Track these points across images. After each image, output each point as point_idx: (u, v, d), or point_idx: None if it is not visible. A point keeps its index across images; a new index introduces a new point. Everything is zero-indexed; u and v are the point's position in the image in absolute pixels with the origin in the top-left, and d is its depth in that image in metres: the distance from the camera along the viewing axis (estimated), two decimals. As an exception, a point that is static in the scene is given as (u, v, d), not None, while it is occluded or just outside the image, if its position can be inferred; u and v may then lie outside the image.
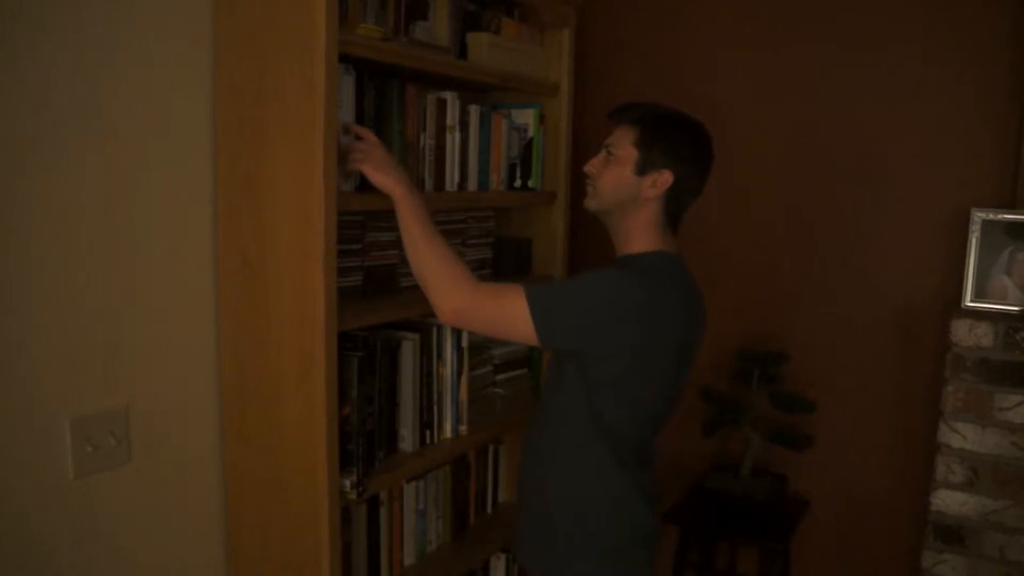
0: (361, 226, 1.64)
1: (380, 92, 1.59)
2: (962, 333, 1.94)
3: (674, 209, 1.48)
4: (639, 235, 1.47)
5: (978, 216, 2.03)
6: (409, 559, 1.85)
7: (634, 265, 1.44)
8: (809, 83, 2.30)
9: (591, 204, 1.52)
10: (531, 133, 2.04)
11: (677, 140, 1.44)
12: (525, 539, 1.59)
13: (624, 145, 1.46)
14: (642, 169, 1.44)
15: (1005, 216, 2.01)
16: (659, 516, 1.55)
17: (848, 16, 2.23)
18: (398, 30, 1.66)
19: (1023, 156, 2.01)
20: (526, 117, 2.03)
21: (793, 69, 2.32)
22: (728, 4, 2.39)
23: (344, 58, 1.41)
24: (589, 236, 2.50)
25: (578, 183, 2.18)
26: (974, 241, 2.03)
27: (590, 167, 1.51)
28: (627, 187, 1.45)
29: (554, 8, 2.03)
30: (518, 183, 2.05)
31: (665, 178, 1.43)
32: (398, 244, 1.74)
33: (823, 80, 2.28)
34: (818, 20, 2.27)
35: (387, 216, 1.70)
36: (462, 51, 1.83)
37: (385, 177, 1.44)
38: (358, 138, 1.49)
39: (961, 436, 1.95)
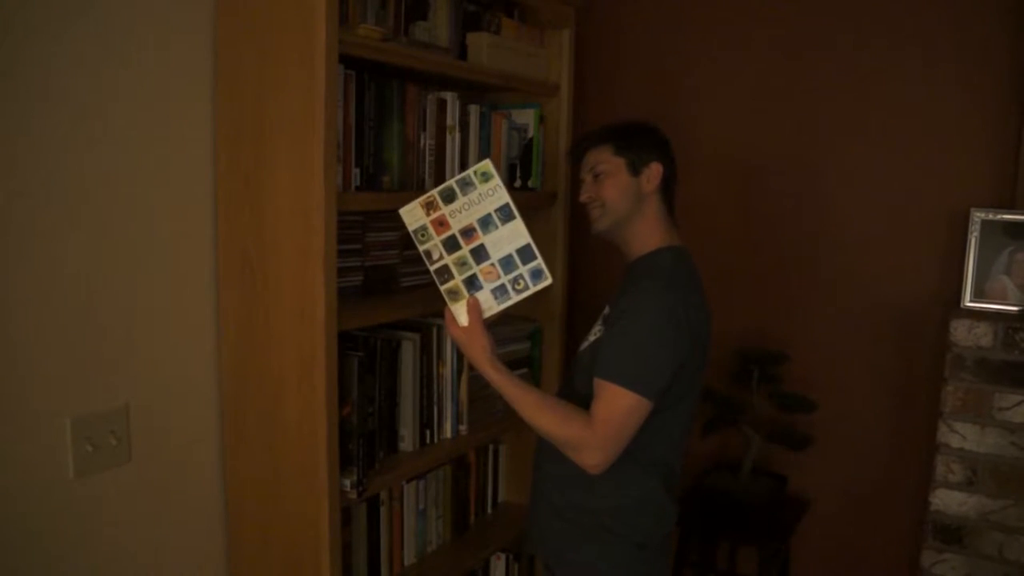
0: (361, 226, 1.64)
1: (380, 92, 1.59)
2: (961, 333, 1.94)
3: (668, 197, 1.56)
4: (649, 233, 1.53)
5: (978, 216, 2.03)
6: (409, 559, 1.85)
7: (656, 270, 1.47)
8: (809, 83, 2.30)
9: (602, 223, 1.55)
10: (531, 133, 2.04)
11: (645, 136, 1.54)
12: (541, 530, 1.60)
13: (606, 158, 1.53)
14: (635, 169, 1.52)
15: (1005, 216, 2.01)
16: (677, 501, 1.58)
17: (848, 17, 2.23)
18: (398, 30, 1.66)
19: (1023, 156, 2.02)
20: (526, 117, 2.03)
21: (793, 69, 2.32)
22: (728, 5, 2.39)
23: (344, 58, 1.41)
24: (589, 236, 2.50)
25: (577, 183, 2.19)
26: (973, 241, 2.03)
27: (586, 195, 1.56)
28: (630, 190, 1.51)
29: (554, 8, 2.03)
30: (518, 183, 2.05)
31: (656, 169, 1.52)
32: (398, 244, 1.75)
33: (823, 80, 2.28)
34: (818, 21, 2.27)
35: (387, 216, 1.70)
36: (462, 51, 1.83)
37: (471, 360, 1.46)
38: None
39: (960, 436, 1.95)
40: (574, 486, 1.51)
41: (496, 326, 2.00)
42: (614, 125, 1.57)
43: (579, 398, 1.49)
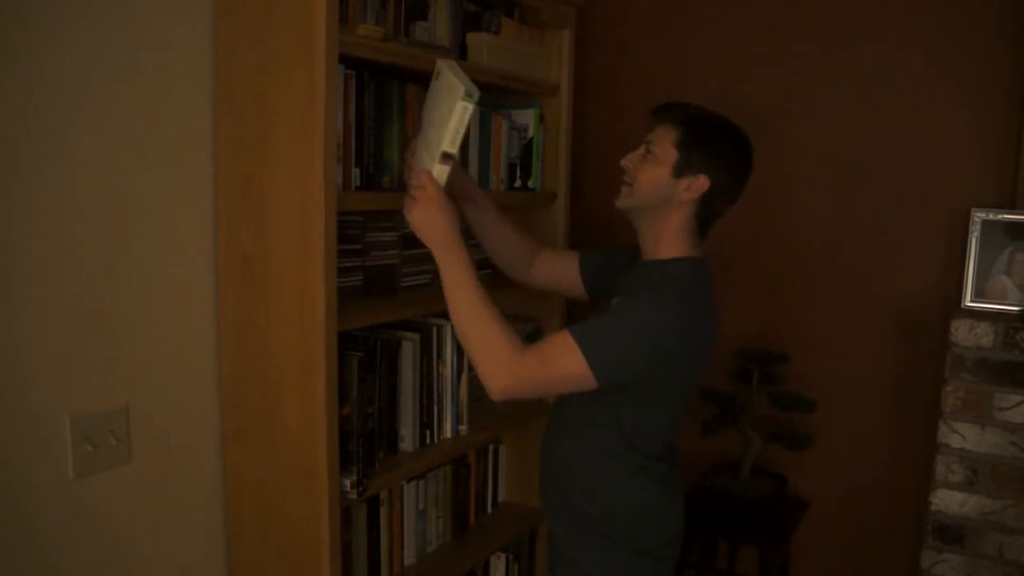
0: (361, 226, 1.64)
1: (380, 92, 1.59)
2: (962, 333, 1.94)
3: (706, 215, 1.45)
4: (669, 240, 1.44)
5: (978, 216, 2.03)
6: (409, 559, 1.85)
7: (666, 279, 1.41)
8: (808, 84, 2.30)
9: (625, 202, 1.46)
10: (531, 133, 2.04)
11: (717, 146, 1.42)
12: (548, 530, 1.61)
13: (665, 144, 1.42)
14: (679, 171, 1.41)
15: (1005, 216, 2.01)
16: (683, 511, 1.56)
17: (847, 17, 2.23)
18: (398, 30, 1.66)
19: (1023, 156, 2.02)
20: (526, 117, 2.03)
21: (792, 70, 2.32)
22: (728, 5, 2.39)
23: (344, 58, 1.41)
24: (589, 236, 2.50)
25: (577, 183, 2.19)
26: (974, 241, 2.03)
27: (627, 161, 1.47)
28: (662, 187, 1.41)
29: (554, 8, 2.03)
30: (518, 183, 2.05)
31: (701, 183, 1.40)
32: (398, 244, 1.75)
33: (822, 81, 2.28)
34: (818, 21, 2.27)
35: (387, 216, 1.70)
36: (462, 51, 1.83)
37: (422, 234, 1.38)
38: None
39: (961, 436, 1.95)
40: (574, 491, 1.50)
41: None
42: (703, 116, 1.45)
43: (571, 406, 1.50)
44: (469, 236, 1.95)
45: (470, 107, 1.30)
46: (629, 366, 1.34)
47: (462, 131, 1.32)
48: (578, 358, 1.31)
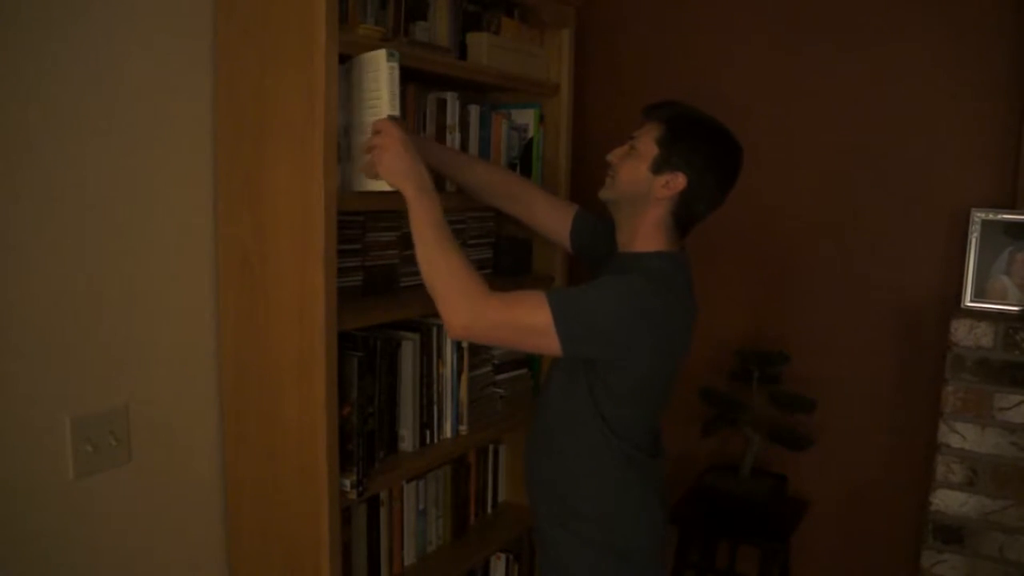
0: (361, 226, 1.64)
1: (380, 92, 1.59)
2: (962, 333, 1.94)
3: (684, 215, 1.45)
4: (644, 235, 1.46)
5: (978, 216, 2.03)
6: (409, 559, 1.85)
7: (642, 269, 1.42)
8: (808, 83, 2.30)
9: (605, 194, 1.48)
10: (531, 133, 2.04)
11: (699, 146, 1.42)
12: (536, 532, 1.61)
13: (647, 140, 1.43)
14: (658, 168, 1.42)
15: (1005, 216, 2.01)
16: (668, 512, 1.55)
17: (847, 16, 2.23)
18: (398, 30, 1.66)
19: (1023, 156, 2.02)
20: (526, 117, 2.03)
21: (792, 69, 2.32)
22: (728, 4, 2.39)
23: (344, 58, 1.41)
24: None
25: (577, 183, 2.19)
26: (974, 241, 2.03)
27: (612, 156, 1.49)
28: (640, 183, 1.43)
29: (554, 8, 2.03)
30: (518, 183, 2.05)
31: (678, 181, 1.41)
32: (398, 244, 1.75)
33: (822, 80, 2.28)
34: (816, 21, 2.27)
35: (387, 216, 1.70)
36: (462, 51, 1.83)
37: (396, 177, 1.39)
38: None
39: (961, 436, 1.95)
40: (559, 495, 1.50)
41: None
42: (689, 116, 1.45)
43: (553, 403, 1.49)
44: (470, 237, 1.95)
45: (396, 65, 1.39)
46: (595, 337, 1.34)
47: (397, 91, 1.40)
48: (545, 314, 1.31)
